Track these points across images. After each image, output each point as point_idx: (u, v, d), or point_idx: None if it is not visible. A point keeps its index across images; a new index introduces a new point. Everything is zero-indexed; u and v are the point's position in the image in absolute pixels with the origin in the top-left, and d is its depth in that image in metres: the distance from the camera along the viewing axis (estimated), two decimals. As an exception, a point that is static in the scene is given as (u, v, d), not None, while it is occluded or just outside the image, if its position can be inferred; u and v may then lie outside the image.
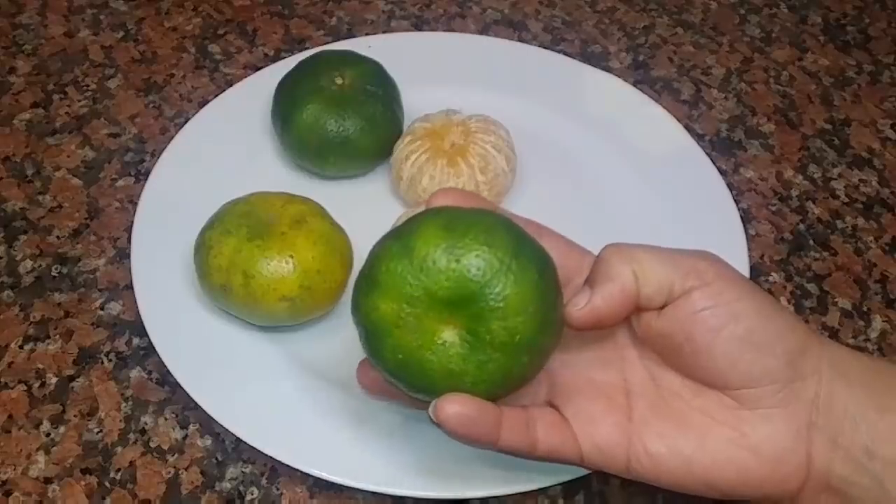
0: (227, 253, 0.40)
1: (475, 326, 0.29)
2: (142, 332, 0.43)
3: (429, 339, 0.30)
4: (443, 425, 0.30)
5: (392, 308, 0.30)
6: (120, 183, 0.52)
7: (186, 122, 0.53)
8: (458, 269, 0.29)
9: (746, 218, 0.52)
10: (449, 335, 0.30)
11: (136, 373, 0.44)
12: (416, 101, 0.52)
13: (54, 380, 0.43)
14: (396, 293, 0.30)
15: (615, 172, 0.51)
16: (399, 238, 0.30)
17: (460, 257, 0.29)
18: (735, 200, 0.49)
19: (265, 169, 0.51)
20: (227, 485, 0.40)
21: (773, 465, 0.30)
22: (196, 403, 0.40)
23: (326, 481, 0.38)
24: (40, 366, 0.44)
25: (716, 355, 0.30)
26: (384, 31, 0.62)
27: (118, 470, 0.40)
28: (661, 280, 0.31)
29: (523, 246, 0.30)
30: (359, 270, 0.31)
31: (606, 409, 0.32)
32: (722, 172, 0.52)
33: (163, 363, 0.41)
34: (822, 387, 0.30)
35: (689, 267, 0.31)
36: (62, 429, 0.41)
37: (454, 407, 0.29)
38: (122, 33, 0.62)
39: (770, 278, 0.49)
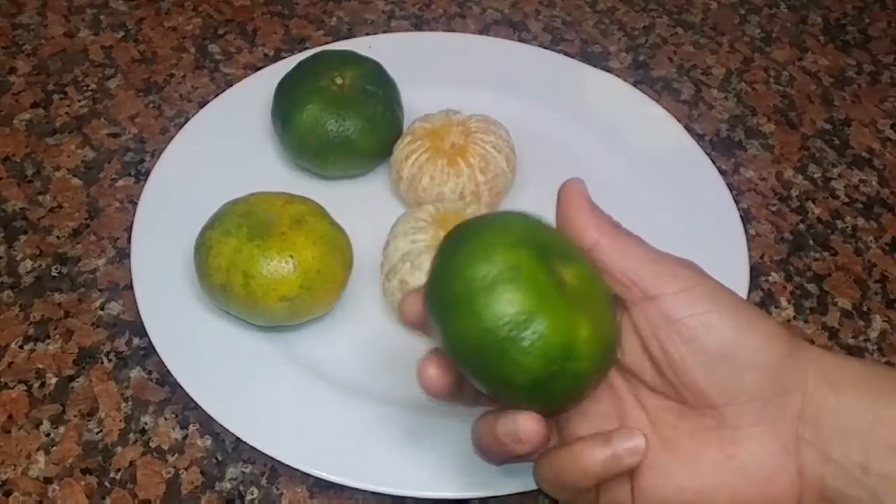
0: (227, 253, 0.40)
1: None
2: (142, 332, 0.43)
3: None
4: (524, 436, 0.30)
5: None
6: (120, 183, 0.52)
7: (186, 122, 0.53)
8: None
9: (746, 218, 0.52)
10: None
11: (136, 373, 0.44)
12: (416, 101, 0.51)
13: (54, 380, 0.43)
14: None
15: (615, 172, 0.51)
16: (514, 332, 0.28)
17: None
18: (735, 200, 0.49)
19: (265, 169, 0.51)
20: (227, 485, 0.40)
21: (763, 485, 0.29)
22: (196, 403, 0.40)
23: (326, 481, 0.38)
24: (40, 366, 0.44)
25: (691, 369, 0.29)
26: (384, 31, 0.62)
27: (118, 470, 0.40)
28: (633, 268, 0.30)
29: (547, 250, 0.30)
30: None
31: None
32: (722, 172, 0.52)
33: (163, 363, 0.41)
34: (809, 399, 0.29)
35: (666, 271, 0.30)
36: (62, 429, 0.41)
37: (530, 423, 0.30)
38: (122, 33, 0.62)
39: (770, 278, 0.49)
